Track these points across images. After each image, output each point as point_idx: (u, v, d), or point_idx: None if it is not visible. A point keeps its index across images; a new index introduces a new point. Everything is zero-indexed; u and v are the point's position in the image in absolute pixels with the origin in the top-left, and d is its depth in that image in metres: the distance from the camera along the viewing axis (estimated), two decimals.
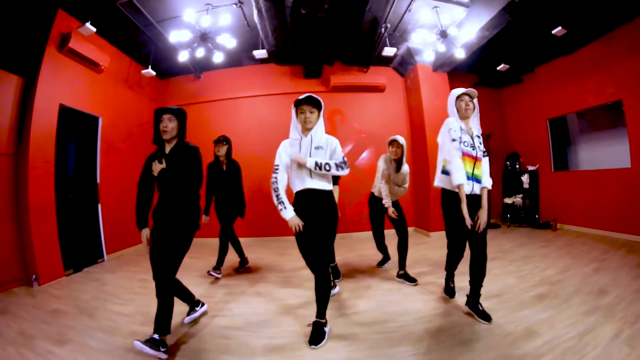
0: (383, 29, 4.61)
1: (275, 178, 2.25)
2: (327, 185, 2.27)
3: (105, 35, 4.51)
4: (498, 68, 5.43)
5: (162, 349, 1.92)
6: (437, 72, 5.59)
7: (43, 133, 3.61)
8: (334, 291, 2.96)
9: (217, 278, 3.51)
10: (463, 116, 2.41)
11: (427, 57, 4.74)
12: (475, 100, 2.43)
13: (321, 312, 2.21)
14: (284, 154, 2.30)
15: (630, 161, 4.31)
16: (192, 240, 2.25)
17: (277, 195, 2.21)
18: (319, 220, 2.21)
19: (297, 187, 2.28)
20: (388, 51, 4.83)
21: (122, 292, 3.17)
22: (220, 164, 3.58)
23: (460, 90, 2.44)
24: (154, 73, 5.22)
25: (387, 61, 5.85)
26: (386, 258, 3.72)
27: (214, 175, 3.58)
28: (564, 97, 5.24)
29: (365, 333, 2.25)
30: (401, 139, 3.15)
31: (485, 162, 2.38)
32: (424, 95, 5.47)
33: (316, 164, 2.17)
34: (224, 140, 3.54)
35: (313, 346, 2.07)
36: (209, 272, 3.54)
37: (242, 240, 3.92)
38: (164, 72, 5.85)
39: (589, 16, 4.13)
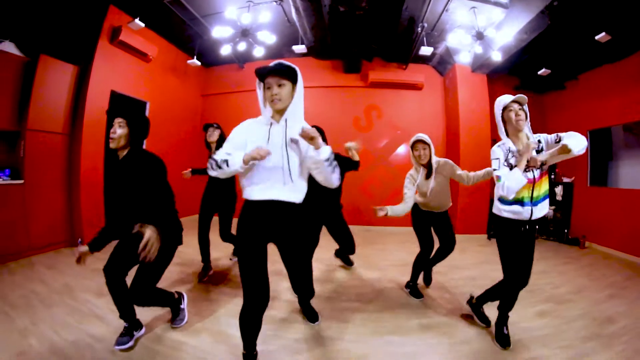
0: (420, 29, 4.60)
1: (214, 159, 1.57)
2: (300, 197, 1.69)
3: (154, 27, 4.87)
4: (539, 72, 5.21)
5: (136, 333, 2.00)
6: (476, 73, 5.47)
7: (95, 116, 4.07)
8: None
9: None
10: (514, 129, 2.02)
11: (463, 58, 4.66)
12: (526, 107, 2.03)
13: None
14: (240, 138, 1.64)
15: None
16: (173, 254, 2.05)
17: (215, 161, 1.56)
18: (289, 243, 1.76)
19: (256, 194, 1.61)
20: (425, 50, 4.81)
21: None
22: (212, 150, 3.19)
23: (507, 98, 2.04)
24: (199, 63, 5.58)
25: (426, 59, 5.79)
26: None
27: None
28: (607, 109, 4.94)
29: None
30: (426, 137, 2.65)
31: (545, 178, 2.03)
32: (460, 96, 5.41)
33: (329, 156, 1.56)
34: (216, 125, 3.24)
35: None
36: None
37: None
38: (209, 62, 6.18)
39: (634, 23, 3.85)
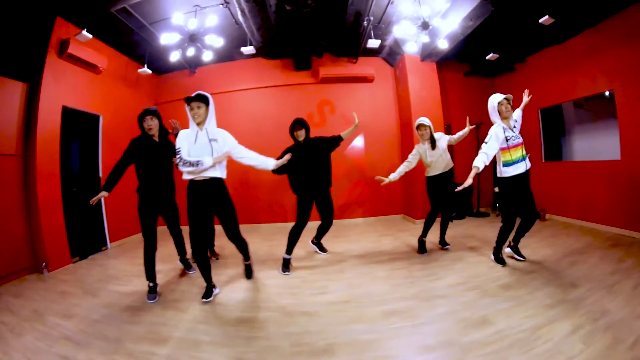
0: (366, 22, 4.59)
1: (180, 157, 2.46)
2: (223, 174, 2.65)
3: (103, 37, 4.72)
4: (487, 57, 5.32)
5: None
6: (425, 62, 5.52)
7: (48, 133, 3.92)
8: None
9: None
10: (504, 117, 3.01)
11: (411, 48, 4.67)
12: (511, 101, 3.03)
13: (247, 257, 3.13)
14: (181, 142, 2.54)
15: (619, 153, 4.19)
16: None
17: (189, 162, 2.44)
18: (221, 204, 2.67)
19: (189, 173, 2.54)
20: (372, 43, 4.80)
21: (123, 275, 3.52)
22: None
23: (498, 97, 3.00)
24: (149, 72, 5.43)
25: (376, 52, 5.80)
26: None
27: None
28: (556, 87, 5.11)
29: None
30: (425, 120, 3.58)
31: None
32: (411, 85, 5.44)
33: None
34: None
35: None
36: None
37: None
38: (160, 69, 6.03)
39: (576, 6, 4.00)
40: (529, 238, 4.01)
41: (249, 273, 3.22)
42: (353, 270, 3.32)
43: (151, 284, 2.82)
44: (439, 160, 3.58)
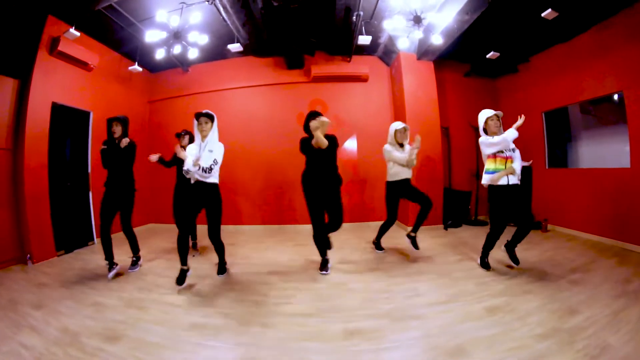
0: (355, 18, 4.33)
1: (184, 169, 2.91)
2: (214, 180, 3.01)
3: (94, 35, 4.76)
4: (488, 56, 5.00)
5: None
6: (422, 61, 5.22)
7: (37, 129, 3.98)
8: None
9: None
10: (492, 132, 3.08)
11: (402, 44, 4.39)
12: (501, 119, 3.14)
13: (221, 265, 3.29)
14: (191, 152, 2.98)
15: (629, 161, 3.82)
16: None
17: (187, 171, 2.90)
18: (211, 203, 3.01)
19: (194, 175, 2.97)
20: (363, 40, 4.53)
21: (100, 270, 3.47)
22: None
23: (488, 113, 3.10)
24: (140, 69, 5.39)
25: (371, 50, 5.54)
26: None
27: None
28: (561, 89, 4.76)
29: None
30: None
31: (516, 155, 3.09)
32: (406, 84, 5.15)
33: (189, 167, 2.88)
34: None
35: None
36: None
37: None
38: (153, 67, 5.98)
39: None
40: (529, 251, 3.75)
41: (221, 270, 3.30)
42: (327, 280, 3.06)
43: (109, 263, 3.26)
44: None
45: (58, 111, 4.26)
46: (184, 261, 2.91)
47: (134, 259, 3.53)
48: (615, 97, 4.19)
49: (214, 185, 2.98)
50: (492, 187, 3.06)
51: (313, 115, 3.09)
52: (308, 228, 3.52)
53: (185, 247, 2.90)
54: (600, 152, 4.58)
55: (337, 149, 3.17)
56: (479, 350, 1.79)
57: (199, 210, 3.02)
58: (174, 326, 2.26)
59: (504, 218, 3.13)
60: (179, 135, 4.07)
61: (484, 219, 5.65)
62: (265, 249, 4.35)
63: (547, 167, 5.05)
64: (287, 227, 5.61)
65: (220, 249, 3.21)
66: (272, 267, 3.52)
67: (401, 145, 3.75)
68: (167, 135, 5.69)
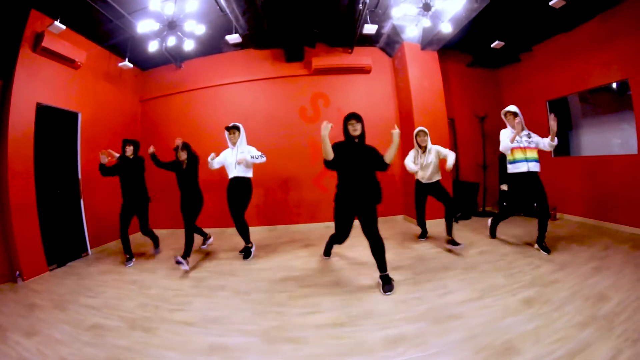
0: (361, 5, 4.21)
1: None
2: (242, 174, 3.79)
3: (81, 30, 4.46)
4: (492, 45, 4.96)
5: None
6: (426, 51, 5.15)
7: (21, 132, 3.68)
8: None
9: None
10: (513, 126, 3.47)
11: (410, 33, 4.32)
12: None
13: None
14: (222, 156, 3.90)
15: (637, 147, 3.86)
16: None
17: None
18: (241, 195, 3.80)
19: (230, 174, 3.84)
20: (369, 29, 4.41)
21: (96, 286, 3.25)
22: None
23: (510, 108, 3.49)
24: (130, 66, 5.09)
25: (373, 41, 5.46)
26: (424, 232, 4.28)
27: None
28: (564, 78, 4.78)
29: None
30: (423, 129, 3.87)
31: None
32: (411, 75, 5.08)
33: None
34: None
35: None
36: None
37: None
38: (145, 64, 5.72)
39: None
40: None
41: (247, 255, 3.86)
42: (349, 283, 2.88)
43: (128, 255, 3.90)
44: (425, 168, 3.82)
45: (43, 112, 3.98)
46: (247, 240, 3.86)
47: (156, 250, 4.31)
48: (614, 85, 4.24)
49: (248, 179, 3.82)
50: (509, 175, 3.52)
51: (355, 117, 2.73)
52: (314, 227, 3.44)
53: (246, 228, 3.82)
54: (602, 139, 4.63)
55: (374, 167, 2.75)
56: (528, 345, 1.76)
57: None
58: (190, 350, 2.00)
59: (515, 204, 3.78)
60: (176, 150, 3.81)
61: (492, 210, 5.69)
62: (272, 251, 4.12)
63: (552, 156, 5.07)
64: (292, 228, 5.41)
65: (244, 231, 3.85)
66: (285, 271, 3.33)
67: (424, 150, 3.80)
68: (161, 134, 5.53)
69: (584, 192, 4.56)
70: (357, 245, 3.75)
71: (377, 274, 2.74)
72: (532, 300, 2.27)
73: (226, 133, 3.83)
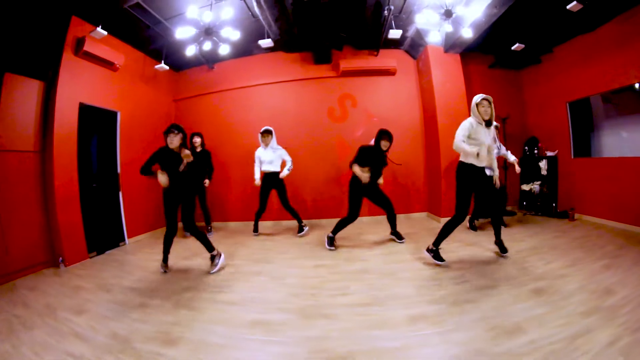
0: (387, 12, 4.44)
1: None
2: (277, 168, 4.75)
3: (119, 35, 4.72)
4: (513, 48, 5.08)
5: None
6: (449, 54, 5.33)
7: (65, 131, 3.97)
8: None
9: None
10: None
11: (433, 38, 4.51)
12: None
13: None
14: (258, 154, 4.78)
15: None
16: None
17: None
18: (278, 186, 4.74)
19: (264, 169, 4.74)
20: (394, 34, 4.63)
21: (138, 271, 3.51)
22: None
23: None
24: (166, 68, 5.40)
25: (397, 44, 5.64)
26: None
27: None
28: (584, 79, 4.84)
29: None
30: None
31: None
32: (434, 77, 5.26)
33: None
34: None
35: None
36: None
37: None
38: (178, 66, 6.00)
39: None
40: (559, 239, 3.96)
41: (301, 229, 4.81)
42: (375, 271, 3.22)
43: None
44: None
45: (86, 112, 4.27)
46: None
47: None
48: (637, 85, 4.24)
49: (277, 173, 4.69)
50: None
51: (388, 136, 3.92)
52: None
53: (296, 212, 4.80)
54: (624, 141, 4.68)
55: None
56: (534, 327, 2.01)
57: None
58: (235, 325, 2.24)
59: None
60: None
61: (512, 209, 5.84)
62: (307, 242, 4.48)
63: (572, 157, 5.18)
64: (322, 222, 5.65)
65: (294, 213, 4.77)
66: (316, 260, 3.65)
67: (488, 124, 3.11)
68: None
69: (604, 193, 4.63)
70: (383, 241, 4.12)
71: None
72: (541, 291, 2.51)
73: (259, 136, 4.63)
